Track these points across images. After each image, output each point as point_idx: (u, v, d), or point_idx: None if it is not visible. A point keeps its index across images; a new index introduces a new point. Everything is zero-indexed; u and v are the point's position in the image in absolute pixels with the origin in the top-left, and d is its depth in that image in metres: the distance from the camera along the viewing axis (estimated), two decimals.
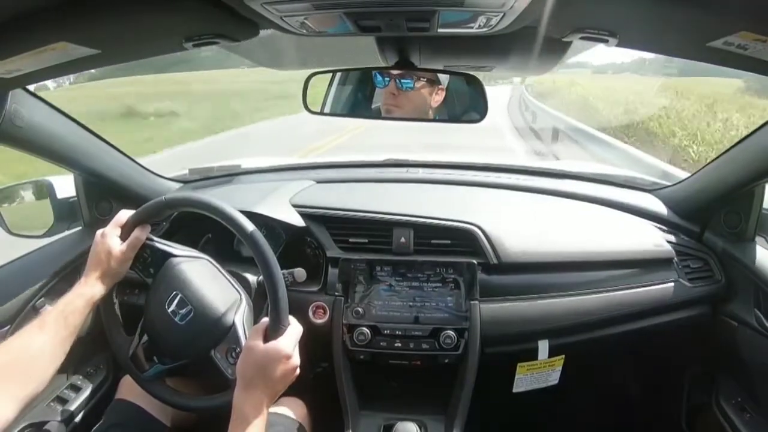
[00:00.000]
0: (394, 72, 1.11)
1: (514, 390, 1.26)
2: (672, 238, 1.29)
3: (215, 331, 0.93)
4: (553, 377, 1.27)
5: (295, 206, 1.28)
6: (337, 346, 1.20)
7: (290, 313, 0.85)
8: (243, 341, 0.91)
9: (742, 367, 1.22)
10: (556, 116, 8.72)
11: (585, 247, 1.24)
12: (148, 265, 0.98)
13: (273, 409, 0.95)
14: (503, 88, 17.09)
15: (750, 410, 1.19)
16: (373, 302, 1.21)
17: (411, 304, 1.20)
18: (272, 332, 0.83)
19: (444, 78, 1.16)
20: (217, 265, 1.03)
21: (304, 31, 0.82)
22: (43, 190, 1.36)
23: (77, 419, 1.21)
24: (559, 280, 1.22)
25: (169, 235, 1.29)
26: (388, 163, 1.68)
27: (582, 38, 0.78)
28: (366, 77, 1.16)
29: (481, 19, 0.77)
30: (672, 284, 1.23)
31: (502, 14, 0.73)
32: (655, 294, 1.22)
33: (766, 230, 1.25)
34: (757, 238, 1.24)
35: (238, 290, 1.00)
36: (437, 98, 1.16)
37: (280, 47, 1.19)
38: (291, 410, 1.12)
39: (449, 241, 1.24)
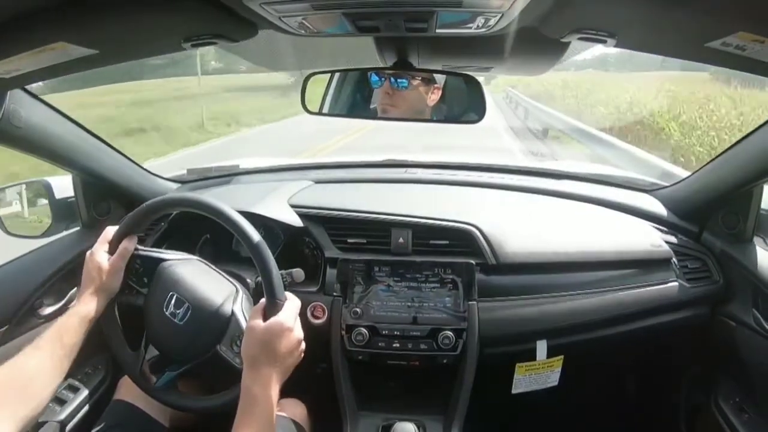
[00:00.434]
0: (389, 71, 1.11)
1: (514, 391, 1.26)
2: (670, 238, 1.29)
3: (216, 323, 0.93)
4: (552, 378, 1.27)
5: (293, 206, 1.28)
6: (336, 346, 1.20)
7: None
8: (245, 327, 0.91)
9: (741, 367, 1.22)
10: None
11: (583, 248, 1.24)
12: (141, 275, 0.98)
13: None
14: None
15: (748, 410, 1.19)
16: (372, 302, 1.21)
17: (409, 304, 1.20)
18: (270, 309, 0.83)
19: (440, 77, 1.16)
20: (209, 264, 1.03)
21: (303, 31, 0.82)
22: (42, 191, 1.36)
23: (75, 420, 1.21)
24: (557, 280, 1.22)
25: (166, 237, 1.29)
26: (387, 163, 1.69)
27: (580, 39, 0.78)
28: (364, 77, 1.16)
29: (480, 20, 0.77)
30: (670, 285, 1.23)
31: (500, 15, 0.73)
32: (654, 294, 1.22)
33: (764, 231, 1.25)
34: (755, 239, 1.24)
35: (233, 283, 1.00)
36: (434, 97, 1.16)
37: (278, 47, 1.19)
38: (291, 411, 1.12)
39: (447, 242, 1.24)
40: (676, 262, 1.26)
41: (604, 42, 0.77)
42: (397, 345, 1.18)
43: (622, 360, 1.57)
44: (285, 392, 0.83)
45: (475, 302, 1.19)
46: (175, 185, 1.55)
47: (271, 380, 0.80)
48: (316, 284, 1.24)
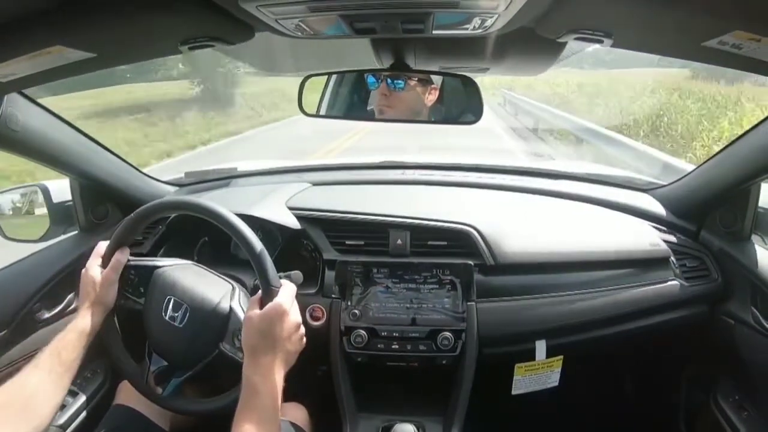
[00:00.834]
0: (386, 73, 1.11)
1: (514, 392, 1.26)
2: (668, 237, 1.29)
3: (215, 321, 0.93)
4: (552, 379, 1.27)
5: (291, 209, 1.28)
6: (335, 348, 1.20)
7: None
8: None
9: (740, 365, 1.22)
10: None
11: (581, 247, 1.24)
12: (137, 286, 0.99)
13: None
14: None
15: (748, 408, 1.19)
16: (370, 304, 1.21)
17: (408, 305, 1.20)
18: (266, 297, 0.84)
19: (437, 78, 1.16)
20: (205, 267, 1.04)
21: (299, 33, 0.82)
22: (39, 195, 1.35)
23: (75, 424, 1.20)
24: (555, 280, 1.22)
25: (164, 240, 1.29)
26: (384, 165, 1.68)
27: (577, 39, 0.78)
28: (361, 79, 1.16)
29: (476, 21, 0.77)
30: (669, 283, 1.23)
31: (496, 15, 0.73)
32: (652, 293, 1.22)
33: (762, 229, 1.26)
34: (753, 237, 1.25)
35: (230, 282, 1.01)
36: (431, 97, 1.16)
37: (275, 50, 1.19)
38: (292, 415, 1.12)
39: (445, 243, 1.24)
40: (674, 261, 1.26)
41: (600, 42, 0.77)
42: (396, 346, 1.18)
43: (622, 359, 1.57)
44: (286, 396, 0.83)
45: (473, 303, 1.19)
46: (173, 188, 1.54)
47: (271, 368, 0.79)
48: (314, 286, 1.24)
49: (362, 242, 1.26)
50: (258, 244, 0.88)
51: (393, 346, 1.18)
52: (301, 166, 1.70)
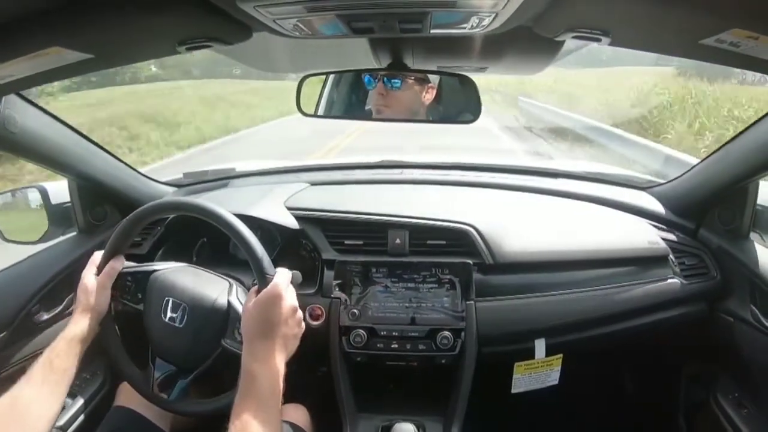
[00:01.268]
0: (383, 72, 1.11)
1: (514, 390, 1.26)
2: (667, 235, 1.29)
3: (215, 317, 0.93)
4: (552, 377, 1.27)
5: (289, 209, 1.28)
6: (334, 348, 1.20)
7: None
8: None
9: (740, 363, 1.23)
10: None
11: (580, 246, 1.25)
12: (135, 292, 0.99)
13: None
14: None
15: (747, 406, 1.20)
16: (370, 304, 1.21)
17: (407, 305, 1.20)
18: (261, 286, 0.84)
19: (434, 77, 1.16)
20: (201, 268, 1.04)
21: (297, 33, 0.82)
22: (38, 196, 1.35)
23: (75, 426, 1.20)
24: (554, 279, 1.22)
25: (163, 241, 1.29)
26: (383, 164, 1.68)
27: (574, 37, 0.78)
28: (358, 79, 1.16)
29: (474, 20, 0.77)
30: (668, 282, 1.23)
31: (494, 15, 0.73)
32: (651, 291, 1.22)
33: (761, 226, 1.26)
34: (752, 234, 1.25)
35: (227, 280, 1.01)
36: (428, 96, 1.16)
37: (273, 50, 1.19)
38: (292, 416, 1.12)
39: (444, 242, 1.24)
40: (673, 259, 1.26)
41: (598, 40, 0.77)
42: (396, 346, 1.18)
43: (621, 357, 1.57)
44: (286, 397, 0.82)
45: (473, 302, 1.19)
46: (170, 189, 1.54)
47: (269, 354, 0.79)
48: (313, 286, 1.24)
49: (361, 242, 1.26)
50: (252, 238, 0.88)
51: (392, 346, 1.18)
52: (299, 166, 1.70)
